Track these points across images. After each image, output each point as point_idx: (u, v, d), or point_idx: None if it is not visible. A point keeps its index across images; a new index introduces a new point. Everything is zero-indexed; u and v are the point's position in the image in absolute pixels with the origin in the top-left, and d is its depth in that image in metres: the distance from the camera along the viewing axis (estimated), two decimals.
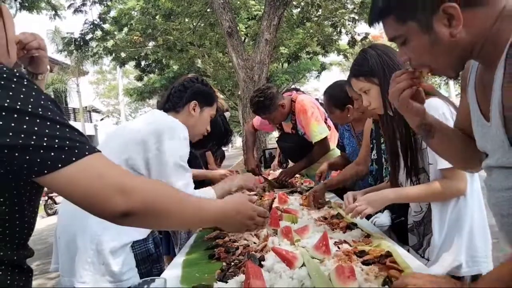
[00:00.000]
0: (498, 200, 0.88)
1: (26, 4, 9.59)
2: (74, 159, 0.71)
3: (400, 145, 1.46)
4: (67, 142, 0.71)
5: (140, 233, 1.61)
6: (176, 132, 1.61)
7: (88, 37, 10.15)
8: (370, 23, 0.93)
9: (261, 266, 1.24)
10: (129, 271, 1.54)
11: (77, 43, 10.03)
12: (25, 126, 0.67)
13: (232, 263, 1.32)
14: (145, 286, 0.95)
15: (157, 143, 1.57)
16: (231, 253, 1.43)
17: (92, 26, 9.96)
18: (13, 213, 0.75)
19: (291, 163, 3.64)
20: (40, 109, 0.69)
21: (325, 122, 2.98)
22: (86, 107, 27.76)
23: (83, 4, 9.46)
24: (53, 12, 10.66)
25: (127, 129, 1.74)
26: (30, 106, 0.68)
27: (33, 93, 0.70)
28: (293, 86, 3.67)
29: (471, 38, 0.81)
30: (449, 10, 0.78)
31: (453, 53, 0.85)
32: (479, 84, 0.92)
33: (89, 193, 0.73)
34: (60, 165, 0.69)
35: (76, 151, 0.71)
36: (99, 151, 0.76)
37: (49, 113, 0.70)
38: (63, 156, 0.70)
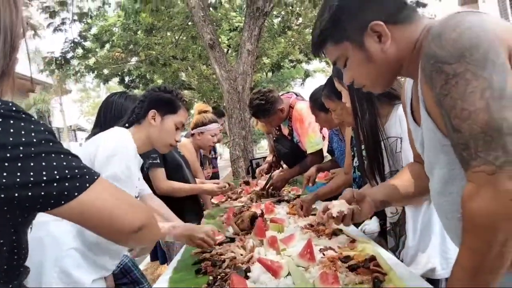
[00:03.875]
0: (441, 203, 0.90)
1: None
2: (87, 184, 0.73)
3: (365, 148, 1.48)
4: (76, 171, 0.72)
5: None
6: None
7: (69, 55, 10.07)
8: (316, 56, 1.03)
9: (247, 277, 1.24)
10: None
11: (58, 62, 9.93)
12: (32, 164, 0.67)
13: (219, 277, 1.31)
14: None
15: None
16: (217, 267, 1.43)
17: (72, 44, 9.90)
18: (11, 242, 0.73)
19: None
20: (43, 142, 0.69)
21: (320, 131, 2.90)
22: (70, 126, 27.40)
23: (63, 23, 9.39)
24: (33, 32, 10.56)
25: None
26: (33, 142, 0.68)
27: (32, 127, 0.69)
28: (292, 91, 3.58)
29: (400, 53, 0.88)
30: (376, 28, 0.86)
31: (387, 68, 0.91)
32: (414, 98, 0.98)
33: (107, 214, 0.75)
34: (76, 193, 0.71)
35: (87, 177, 0.74)
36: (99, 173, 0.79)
37: (51, 145, 0.71)
38: (77, 184, 0.71)
